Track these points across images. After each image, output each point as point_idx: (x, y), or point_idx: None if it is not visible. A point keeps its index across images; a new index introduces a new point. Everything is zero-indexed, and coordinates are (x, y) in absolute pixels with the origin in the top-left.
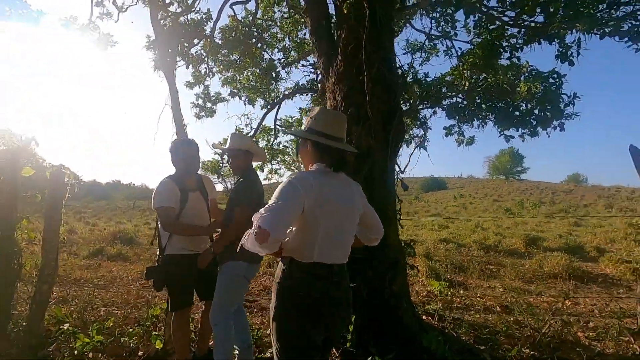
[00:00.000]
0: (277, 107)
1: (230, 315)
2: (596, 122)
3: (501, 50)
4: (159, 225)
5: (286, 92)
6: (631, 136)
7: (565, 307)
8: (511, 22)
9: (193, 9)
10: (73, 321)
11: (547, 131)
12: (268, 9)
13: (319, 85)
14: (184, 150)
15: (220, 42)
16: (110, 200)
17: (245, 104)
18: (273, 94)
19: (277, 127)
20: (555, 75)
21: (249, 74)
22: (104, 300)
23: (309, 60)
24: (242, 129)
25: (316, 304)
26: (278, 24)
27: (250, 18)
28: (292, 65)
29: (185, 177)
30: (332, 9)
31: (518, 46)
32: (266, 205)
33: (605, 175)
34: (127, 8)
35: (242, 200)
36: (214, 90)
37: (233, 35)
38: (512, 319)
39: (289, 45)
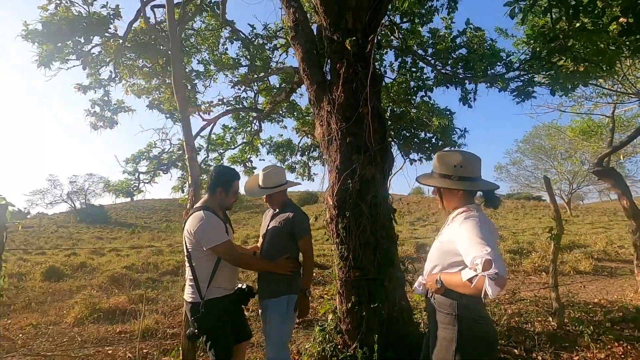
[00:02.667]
0: (212, 124)
1: (288, 351)
2: None
3: (416, 89)
4: (197, 268)
5: (225, 109)
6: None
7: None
8: (431, 66)
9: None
10: None
11: None
12: (190, 16)
13: (266, 106)
14: (236, 184)
15: (123, 43)
16: None
17: (166, 117)
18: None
19: (209, 145)
20: (448, 112)
21: (160, 83)
22: None
23: (228, 76)
24: (155, 143)
25: (493, 329)
26: (200, 34)
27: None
28: (211, 79)
29: (218, 210)
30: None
31: (430, 87)
32: (483, 249)
33: None
34: None
35: (308, 231)
36: (115, 98)
37: (141, 38)
38: None
39: (208, 58)
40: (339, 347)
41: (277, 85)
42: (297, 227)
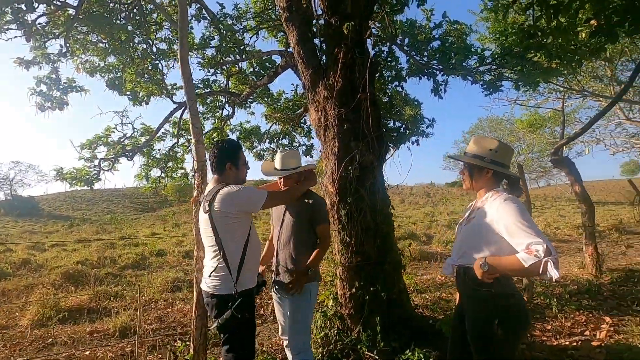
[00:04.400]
0: (183, 108)
1: (310, 337)
2: None
3: (391, 79)
4: (229, 254)
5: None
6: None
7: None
8: (408, 55)
9: None
10: None
11: (407, 145)
12: None
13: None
14: (242, 154)
15: (76, 15)
16: None
17: (129, 99)
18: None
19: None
20: (416, 102)
21: (119, 61)
22: None
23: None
24: (113, 127)
25: (525, 303)
26: (162, 10)
27: None
28: (175, 59)
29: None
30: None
31: (404, 77)
32: (537, 236)
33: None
34: None
35: (327, 218)
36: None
37: (95, 10)
38: (438, 295)
39: (171, 36)
40: (341, 331)
41: (250, 70)
42: (317, 213)
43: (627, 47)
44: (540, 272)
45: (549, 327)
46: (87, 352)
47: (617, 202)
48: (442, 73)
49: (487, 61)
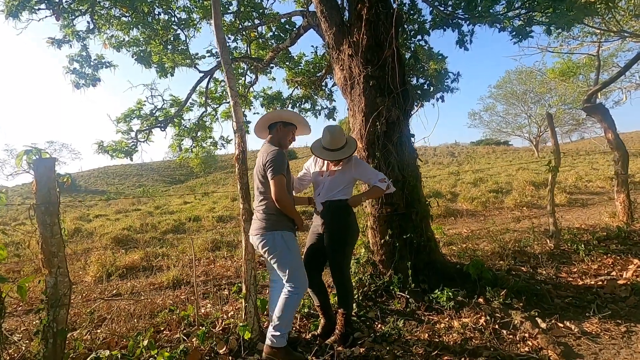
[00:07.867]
0: (208, 77)
1: None
2: None
3: (414, 33)
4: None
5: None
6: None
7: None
8: (432, 6)
9: None
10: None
11: (431, 102)
12: None
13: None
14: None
15: None
16: None
17: (157, 72)
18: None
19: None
20: (441, 56)
21: (139, 34)
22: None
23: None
24: (145, 100)
25: None
26: None
27: None
28: (195, 29)
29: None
30: None
31: (427, 30)
32: None
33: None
34: None
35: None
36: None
37: None
38: (465, 245)
39: (189, 5)
40: (374, 276)
41: (269, 34)
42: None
43: None
44: None
45: (575, 270)
46: (149, 299)
47: None
48: (467, 22)
49: (516, 5)
